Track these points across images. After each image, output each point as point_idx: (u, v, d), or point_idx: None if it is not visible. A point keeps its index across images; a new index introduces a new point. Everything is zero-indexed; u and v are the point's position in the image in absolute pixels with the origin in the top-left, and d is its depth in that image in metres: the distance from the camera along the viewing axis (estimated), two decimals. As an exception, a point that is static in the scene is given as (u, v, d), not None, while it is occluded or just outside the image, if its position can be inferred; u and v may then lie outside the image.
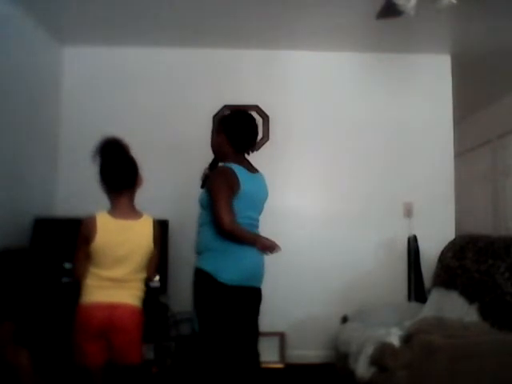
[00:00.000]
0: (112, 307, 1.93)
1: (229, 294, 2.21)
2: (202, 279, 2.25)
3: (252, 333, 2.39)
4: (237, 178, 2.24)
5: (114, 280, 1.96)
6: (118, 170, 2.01)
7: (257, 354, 2.40)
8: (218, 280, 2.20)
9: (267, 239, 2.30)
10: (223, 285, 2.20)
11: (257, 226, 2.41)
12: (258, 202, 2.41)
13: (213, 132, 2.52)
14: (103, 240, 1.95)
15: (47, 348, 2.47)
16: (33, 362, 2.18)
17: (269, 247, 2.27)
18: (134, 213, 2.05)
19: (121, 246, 1.97)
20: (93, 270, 1.98)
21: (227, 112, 3.01)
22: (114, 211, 2.01)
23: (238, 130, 2.36)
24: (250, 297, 2.33)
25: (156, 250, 2.09)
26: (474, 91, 4.82)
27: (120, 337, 1.93)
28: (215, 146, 2.45)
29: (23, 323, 2.48)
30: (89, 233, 1.95)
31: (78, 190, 3.62)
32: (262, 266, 2.38)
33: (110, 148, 2.02)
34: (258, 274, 2.36)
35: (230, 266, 2.22)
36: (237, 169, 2.28)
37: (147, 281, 2.11)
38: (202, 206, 2.33)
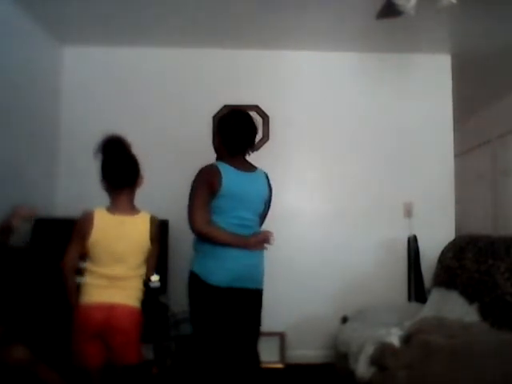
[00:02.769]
0: (110, 308, 1.93)
1: (217, 295, 2.19)
2: (192, 281, 2.25)
3: (249, 334, 2.36)
4: (219, 177, 2.20)
5: (112, 278, 1.96)
6: (119, 167, 2.01)
7: (256, 355, 2.38)
8: (205, 282, 2.19)
9: (255, 236, 2.28)
10: (211, 286, 2.18)
11: (251, 227, 2.33)
12: (251, 201, 2.32)
13: (213, 132, 2.53)
14: (100, 235, 1.95)
15: (46, 349, 2.47)
16: (32, 354, 2.17)
17: (261, 242, 2.26)
18: (132, 210, 2.06)
19: (117, 241, 1.97)
20: (90, 267, 1.98)
21: (225, 112, 3.00)
22: (113, 208, 2.02)
23: (230, 132, 2.33)
24: (242, 298, 2.28)
25: (154, 247, 2.08)
26: (474, 91, 4.82)
27: (118, 337, 1.93)
28: (214, 147, 2.46)
29: (21, 324, 2.47)
30: (85, 228, 1.95)
31: (77, 190, 3.62)
32: (255, 266, 2.32)
33: (111, 145, 2.03)
34: (251, 274, 2.30)
35: (217, 268, 2.20)
36: (223, 167, 2.24)
37: (146, 279, 2.09)
38: None
